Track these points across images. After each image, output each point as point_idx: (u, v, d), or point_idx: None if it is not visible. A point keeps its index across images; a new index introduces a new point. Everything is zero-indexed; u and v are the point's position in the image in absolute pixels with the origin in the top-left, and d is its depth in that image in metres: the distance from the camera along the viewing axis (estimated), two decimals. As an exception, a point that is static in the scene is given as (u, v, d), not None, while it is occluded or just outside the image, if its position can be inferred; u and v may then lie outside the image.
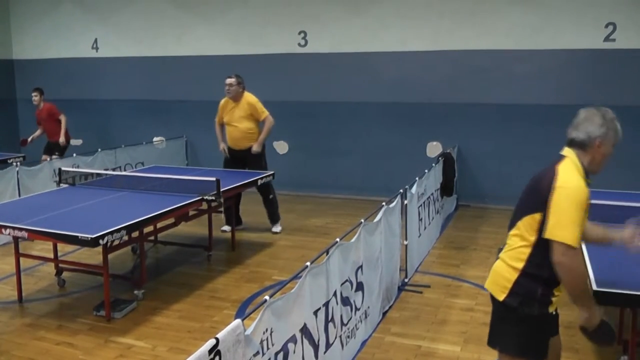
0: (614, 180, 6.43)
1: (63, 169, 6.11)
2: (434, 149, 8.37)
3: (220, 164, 7.39)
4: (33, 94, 8.77)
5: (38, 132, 8.95)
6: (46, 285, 5.34)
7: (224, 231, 6.99)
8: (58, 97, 10.42)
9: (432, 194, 6.41)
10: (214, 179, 5.32)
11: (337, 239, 3.52)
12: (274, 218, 7.12)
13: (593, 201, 4.54)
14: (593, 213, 4.23)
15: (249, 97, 6.90)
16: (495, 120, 8.13)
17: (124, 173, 7.06)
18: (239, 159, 7.00)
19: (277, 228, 7.07)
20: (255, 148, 6.85)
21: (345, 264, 3.68)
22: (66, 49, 10.63)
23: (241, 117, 6.85)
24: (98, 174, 6.60)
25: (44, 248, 5.89)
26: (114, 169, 8.04)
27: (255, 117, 6.87)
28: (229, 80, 6.83)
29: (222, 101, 7.04)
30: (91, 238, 3.96)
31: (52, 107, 8.71)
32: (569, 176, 2.52)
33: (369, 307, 4.18)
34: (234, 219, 6.68)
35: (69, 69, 10.59)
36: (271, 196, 7.04)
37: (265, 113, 6.87)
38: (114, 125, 10.22)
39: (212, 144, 9.42)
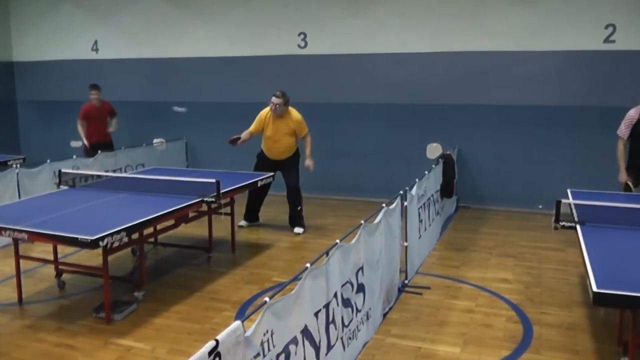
0: (614, 181, 6.44)
1: (63, 170, 6.11)
2: (434, 150, 8.34)
3: (220, 165, 7.40)
4: (93, 92, 8.51)
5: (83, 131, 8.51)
6: (46, 287, 5.34)
7: (241, 226, 7.18)
8: (58, 98, 10.46)
9: (432, 195, 6.41)
10: (213, 180, 5.32)
11: (337, 240, 3.52)
12: (297, 223, 7.15)
13: (593, 203, 4.57)
14: (594, 215, 4.26)
15: (294, 113, 6.95)
16: (495, 121, 8.13)
17: (124, 175, 7.06)
18: (274, 164, 7.04)
19: (298, 229, 7.10)
20: (309, 163, 7.01)
21: (346, 266, 3.68)
22: (66, 50, 10.63)
23: (285, 134, 6.91)
24: (98, 176, 6.60)
25: (43, 250, 5.88)
26: (114, 171, 8.04)
27: (298, 133, 6.96)
28: (277, 101, 6.77)
29: (264, 113, 6.96)
30: (91, 240, 3.96)
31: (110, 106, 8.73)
32: None
33: (370, 309, 4.18)
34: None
35: (69, 71, 10.60)
36: (299, 207, 7.12)
37: (306, 130, 7.02)
38: (113, 127, 10.22)
39: (212, 146, 9.45)
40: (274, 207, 7.71)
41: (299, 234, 7.03)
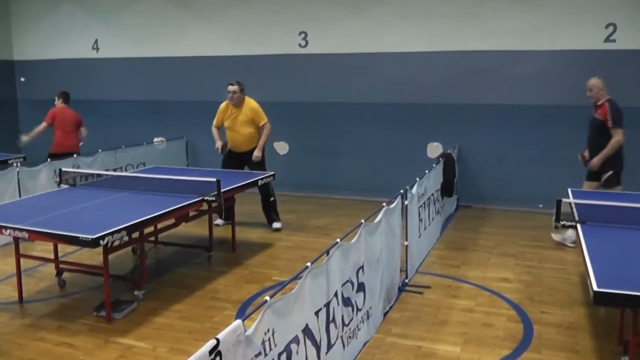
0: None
1: (64, 169, 6.11)
2: (434, 149, 8.35)
3: (220, 164, 7.40)
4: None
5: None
6: (46, 285, 5.34)
7: (217, 225, 7.10)
8: (58, 97, 10.44)
9: (432, 194, 6.41)
10: (214, 179, 5.32)
11: (338, 240, 3.52)
12: (272, 219, 7.19)
13: (592, 202, 4.57)
14: (595, 214, 4.26)
15: (251, 102, 7.01)
16: (495, 121, 8.13)
17: (124, 174, 7.06)
18: (239, 159, 7.07)
19: (277, 224, 7.13)
20: (257, 154, 6.99)
21: (346, 265, 3.68)
22: (66, 49, 10.64)
23: (243, 123, 6.96)
24: (99, 175, 6.60)
25: (44, 249, 5.89)
26: (114, 170, 8.04)
27: (256, 122, 6.98)
28: (232, 88, 6.90)
29: (223, 105, 7.13)
30: (91, 239, 3.96)
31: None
32: None
33: (371, 308, 4.18)
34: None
35: (70, 70, 10.60)
36: (272, 199, 7.14)
37: (265, 120, 7.02)
38: (114, 126, 10.22)
39: (212, 145, 9.44)
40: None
41: (278, 228, 7.07)
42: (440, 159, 7.16)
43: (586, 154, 6.27)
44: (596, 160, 6.05)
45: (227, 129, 7.10)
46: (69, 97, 8.37)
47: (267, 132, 7.05)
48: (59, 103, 8.28)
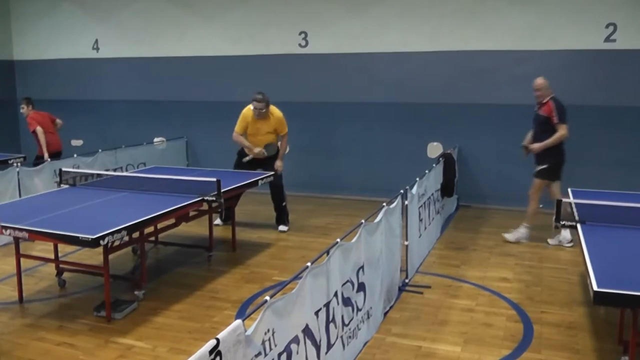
0: (614, 180, 6.44)
1: (64, 169, 6.11)
2: (434, 149, 8.37)
3: (220, 164, 7.40)
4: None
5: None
6: (47, 285, 5.34)
7: (216, 225, 7.10)
8: (59, 97, 10.46)
9: (432, 194, 6.41)
10: (214, 179, 5.32)
11: (338, 240, 3.52)
12: (281, 221, 7.21)
13: (592, 202, 4.57)
14: (595, 214, 4.26)
15: (276, 112, 6.99)
16: (496, 120, 8.13)
17: (124, 174, 7.06)
18: (255, 163, 7.05)
19: (283, 227, 7.17)
20: (280, 164, 7.02)
21: (346, 265, 3.68)
22: (66, 49, 10.64)
23: (267, 132, 6.97)
24: (99, 175, 6.60)
25: (44, 249, 5.89)
26: (114, 170, 8.04)
27: (278, 131, 7.02)
28: (259, 105, 6.78)
29: (247, 113, 6.95)
30: (92, 239, 3.96)
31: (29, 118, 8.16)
32: None
33: (371, 308, 4.18)
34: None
35: (70, 70, 10.60)
36: (284, 203, 7.15)
37: (286, 129, 7.06)
38: (114, 126, 10.23)
39: (212, 145, 9.45)
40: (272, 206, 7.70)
41: (284, 231, 7.10)
42: (440, 159, 7.16)
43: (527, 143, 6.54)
44: (537, 145, 6.34)
45: (249, 135, 7.01)
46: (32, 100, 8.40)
47: (285, 141, 7.13)
48: (29, 109, 8.25)
